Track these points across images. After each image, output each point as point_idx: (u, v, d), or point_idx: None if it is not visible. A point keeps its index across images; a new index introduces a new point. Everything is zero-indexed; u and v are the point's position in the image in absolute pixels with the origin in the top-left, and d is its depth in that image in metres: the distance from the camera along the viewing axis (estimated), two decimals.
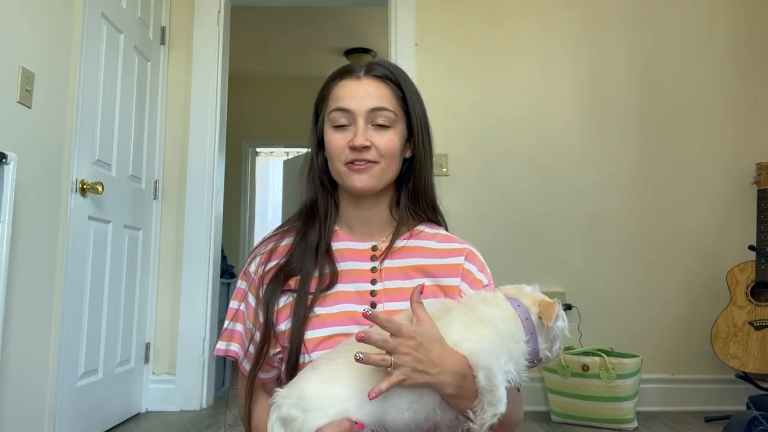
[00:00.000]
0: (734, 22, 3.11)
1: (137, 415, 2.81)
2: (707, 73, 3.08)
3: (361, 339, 0.86)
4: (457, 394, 0.89)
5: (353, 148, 1.04)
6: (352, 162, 1.05)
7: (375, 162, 1.05)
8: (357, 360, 0.85)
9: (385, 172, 1.07)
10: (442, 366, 0.88)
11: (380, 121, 1.05)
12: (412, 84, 1.11)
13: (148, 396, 2.89)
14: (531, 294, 0.99)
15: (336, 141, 1.06)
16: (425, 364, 0.87)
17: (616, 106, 3.07)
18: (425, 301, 0.97)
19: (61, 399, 2.14)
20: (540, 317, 0.95)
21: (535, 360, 0.96)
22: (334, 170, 1.08)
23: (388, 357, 0.86)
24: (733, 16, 3.11)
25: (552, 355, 0.97)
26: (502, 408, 0.88)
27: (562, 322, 0.97)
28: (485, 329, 0.92)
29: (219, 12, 3.12)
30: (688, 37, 3.10)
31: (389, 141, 1.05)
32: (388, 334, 0.88)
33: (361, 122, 1.04)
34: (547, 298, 0.98)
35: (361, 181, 1.05)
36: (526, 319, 0.95)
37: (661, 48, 3.10)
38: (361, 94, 1.05)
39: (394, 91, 1.08)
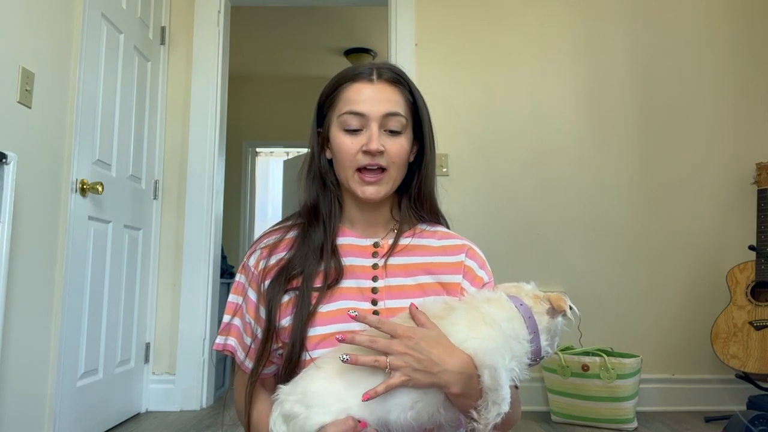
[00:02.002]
0: (734, 22, 3.11)
1: (137, 415, 2.81)
2: (707, 73, 3.08)
3: (342, 340, 0.85)
4: (463, 393, 0.89)
5: (367, 152, 1.03)
6: (363, 168, 1.04)
7: (385, 168, 1.04)
8: (343, 361, 0.84)
9: (394, 179, 1.07)
10: (444, 365, 0.87)
11: (392, 126, 1.04)
12: (416, 89, 1.10)
13: (148, 396, 2.89)
14: (531, 291, 1.00)
15: (347, 145, 1.04)
16: (425, 363, 0.86)
17: (617, 106, 3.07)
18: (427, 299, 0.98)
19: (61, 399, 2.14)
20: (555, 311, 0.97)
21: (537, 358, 0.97)
22: (343, 175, 1.07)
23: (382, 358, 0.86)
24: (733, 16, 3.11)
25: (552, 351, 0.99)
26: (506, 407, 0.88)
27: (561, 319, 0.98)
28: (489, 328, 0.92)
29: (219, 12, 3.12)
30: (689, 37, 3.10)
31: (400, 147, 1.05)
32: (377, 334, 0.88)
33: (374, 127, 1.03)
34: (545, 294, 1.00)
35: (372, 192, 1.05)
36: (529, 317, 0.95)
37: (661, 48, 3.10)
38: (376, 98, 1.04)
39: (405, 96, 1.07)
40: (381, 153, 1.03)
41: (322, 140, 1.11)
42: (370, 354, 0.87)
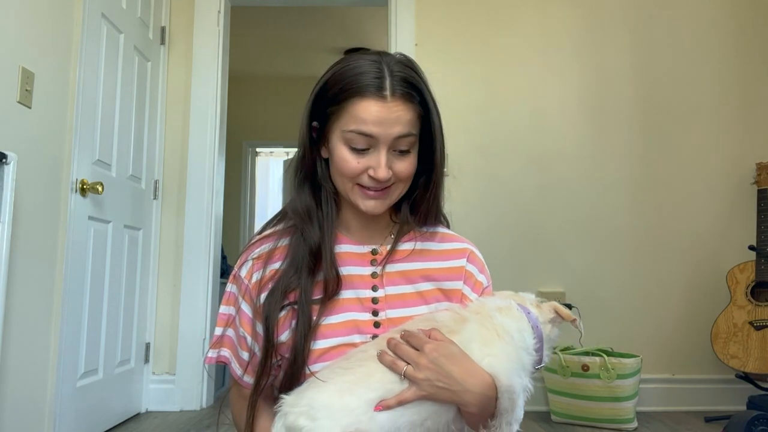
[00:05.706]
0: (735, 22, 3.10)
1: (137, 415, 2.81)
2: (708, 74, 3.08)
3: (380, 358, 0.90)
4: (479, 413, 0.89)
5: (373, 178, 0.97)
6: (366, 187, 0.98)
7: (391, 185, 0.99)
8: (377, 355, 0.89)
9: (400, 192, 1.02)
10: (465, 385, 0.88)
11: (402, 147, 0.97)
12: (430, 91, 1.03)
13: (148, 396, 2.89)
14: (534, 301, 1.01)
15: (353, 164, 0.97)
16: (447, 381, 0.87)
17: (617, 107, 3.07)
18: (433, 306, 0.99)
19: (61, 399, 2.14)
20: (555, 320, 0.98)
21: (537, 367, 0.98)
22: (341, 185, 1.01)
23: (401, 363, 0.87)
24: (733, 17, 3.11)
25: (547, 361, 1.00)
26: (517, 426, 0.90)
27: (557, 331, 1.00)
28: (503, 343, 0.92)
29: (219, 12, 3.12)
30: (689, 38, 3.10)
31: (409, 165, 0.99)
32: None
33: (383, 150, 0.96)
34: (549, 303, 1.01)
35: (376, 207, 1.00)
36: (537, 327, 0.96)
37: (662, 49, 3.10)
38: (390, 121, 0.94)
39: (417, 111, 0.99)
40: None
41: (318, 137, 1.03)
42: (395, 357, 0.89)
